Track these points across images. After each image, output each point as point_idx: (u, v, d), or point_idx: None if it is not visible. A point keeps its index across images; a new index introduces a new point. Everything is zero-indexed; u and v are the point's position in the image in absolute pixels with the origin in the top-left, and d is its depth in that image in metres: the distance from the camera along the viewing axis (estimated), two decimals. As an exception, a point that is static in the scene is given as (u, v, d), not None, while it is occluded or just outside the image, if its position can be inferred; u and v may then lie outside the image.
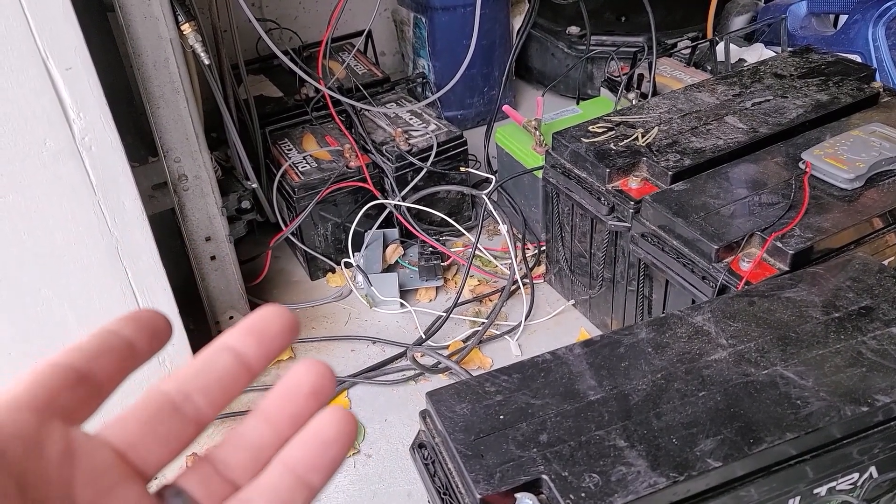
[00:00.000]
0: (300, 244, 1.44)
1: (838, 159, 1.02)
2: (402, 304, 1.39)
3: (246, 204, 1.29)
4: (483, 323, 1.33)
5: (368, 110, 1.54)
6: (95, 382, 0.24)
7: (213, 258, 1.24)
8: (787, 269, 0.92)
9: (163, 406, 0.24)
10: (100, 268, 1.01)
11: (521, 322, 1.34)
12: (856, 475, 0.74)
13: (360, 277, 1.40)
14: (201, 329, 1.30)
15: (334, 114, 1.50)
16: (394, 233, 1.48)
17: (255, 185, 1.30)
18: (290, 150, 1.48)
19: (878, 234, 0.97)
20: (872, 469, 0.74)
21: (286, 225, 1.42)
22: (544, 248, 1.44)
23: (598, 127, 1.23)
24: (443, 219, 1.51)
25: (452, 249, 1.48)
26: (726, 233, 0.96)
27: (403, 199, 1.44)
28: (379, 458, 1.10)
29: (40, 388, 0.23)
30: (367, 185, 1.42)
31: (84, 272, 1.00)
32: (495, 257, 1.48)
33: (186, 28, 1.06)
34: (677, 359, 0.78)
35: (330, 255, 1.47)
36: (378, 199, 1.43)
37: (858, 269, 0.88)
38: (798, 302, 0.84)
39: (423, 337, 1.31)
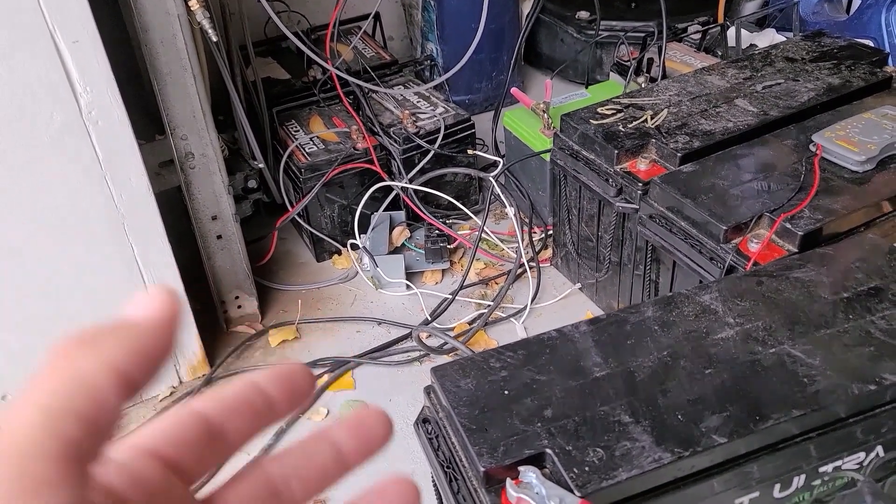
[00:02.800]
0: (306, 225, 1.44)
1: (849, 141, 1.01)
2: (407, 287, 1.38)
3: (252, 183, 1.29)
4: (489, 305, 1.32)
5: (376, 91, 1.53)
6: (225, 442, 0.23)
7: (219, 237, 1.24)
8: (795, 250, 0.92)
9: (265, 487, 0.23)
10: (106, 244, 1.01)
11: (527, 305, 1.33)
12: (862, 454, 0.73)
13: (366, 259, 1.39)
14: (207, 309, 1.30)
15: (342, 95, 1.50)
16: (400, 215, 1.48)
17: (261, 165, 1.30)
18: (298, 131, 1.47)
19: (888, 216, 0.96)
20: (879, 449, 0.74)
21: (292, 206, 1.42)
22: (551, 231, 1.44)
23: (606, 109, 1.22)
24: (450, 202, 1.51)
25: (459, 232, 1.48)
26: (735, 214, 0.96)
27: (410, 181, 1.44)
28: (383, 438, 1.10)
29: (176, 436, 0.22)
30: (373, 167, 1.42)
31: (90, 247, 1.00)
32: (502, 241, 1.48)
33: (194, 4, 1.05)
34: (684, 337, 0.77)
35: (336, 237, 1.47)
36: (385, 181, 1.43)
37: (868, 250, 0.87)
38: (806, 282, 0.83)
39: (429, 318, 1.31)
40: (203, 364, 1.21)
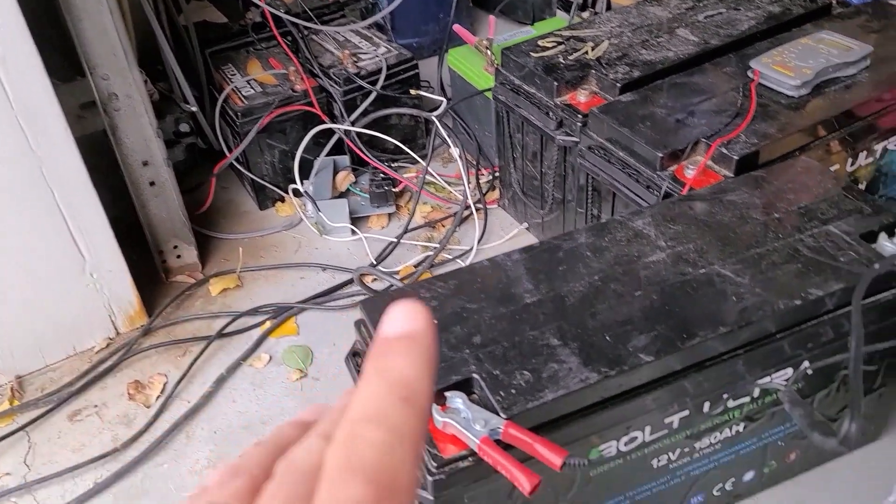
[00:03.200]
0: (247, 172, 1.39)
1: (786, 67, 1.00)
2: (353, 232, 1.36)
3: (184, 127, 1.24)
4: (435, 248, 1.31)
5: (313, 29, 1.48)
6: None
7: (152, 184, 1.20)
8: (731, 175, 0.91)
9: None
10: (23, 189, 0.97)
11: (473, 246, 1.32)
12: (790, 370, 0.74)
13: (309, 206, 1.36)
14: (145, 259, 1.27)
15: (278, 35, 1.44)
16: (344, 160, 1.44)
17: (193, 109, 1.25)
18: (234, 74, 1.42)
19: (822, 140, 0.96)
20: (806, 364, 0.75)
21: (230, 152, 1.37)
22: (498, 172, 1.42)
23: (547, 42, 1.19)
24: (396, 146, 1.47)
25: (405, 175, 1.45)
26: (671, 141, 0.94)
27: (353, 124, 1.40)
28: (326, 382, 1.09)
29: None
30: (313, 110, 1.38)
31: (6, 193, 0.96)
32: (449, 183, 1.46)
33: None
34: (615, 261, 0.77)
35: (278, 183, 1.43)
36: (326, 124, 1.39)
37: (800, 171, 0.87)
38: (739, 204, 0.83)
39: (374, 262, 1.29)
40: (141, 314, 1.18)
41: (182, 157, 1.27)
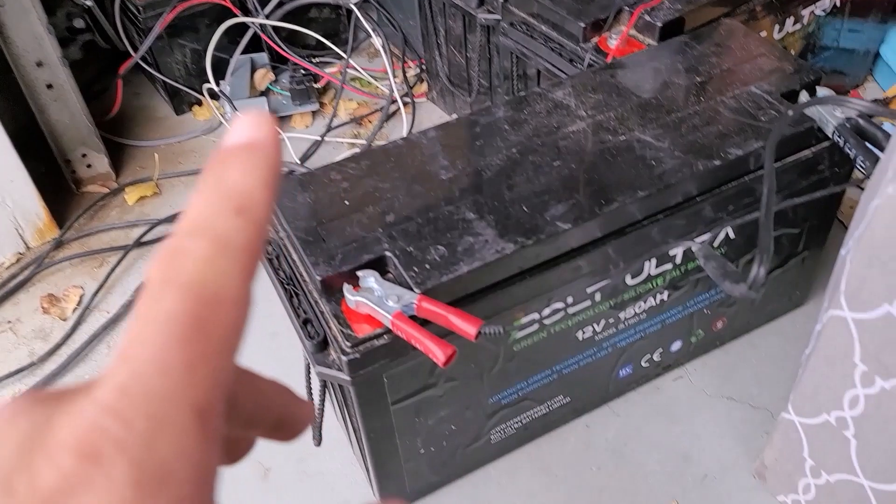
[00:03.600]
0: (157, 74, 1.31)
1: (712, -72, 0.96)
2: (275, 132, 1.30)
3: (79, 23, 1.14)
4: (362, 145, 1.26)
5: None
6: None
7: (49, 87, 1.11)
8: (655, 44, 0.88)
9: None
10: None
11: (402, 141, 1.27)
12: (709, 236, 0.73)
13: (228, 107, 1.29)
14: (52, 170, 1.19)
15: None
16: (262, 57, 1.36)
17: (88, 3, 1.15)
18: (134, -34, 1.31)
19: (748, 4, 0.93)
20: (728, 230, 0.74)
21: (136, 52, 1.28)
22: (425, 65, 1.36)
23: (466, -85, 1.12)
24: (318, 41, 1.40)
25: (328, 71, 1.38)
26: (593, 10, 0.90)
27: (268, 17, 1.32)
28: (253, 283, 1.05)
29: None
30: (224, 2, 1.28)
31: None
32: (375, 78, 1.39)
33: None
34: (534, 133, 0.74)
35: (193, 86, 1.35)
36: (239, 17, 1.30)
37: (724, 35, 0.84)
38: (661, 70, 0.80)
39: (298, 162, 1.24)
40: (51, 227, 1.12)
41: (79, 55, 1.17)
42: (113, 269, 1.06)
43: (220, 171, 0.17)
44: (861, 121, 0.69)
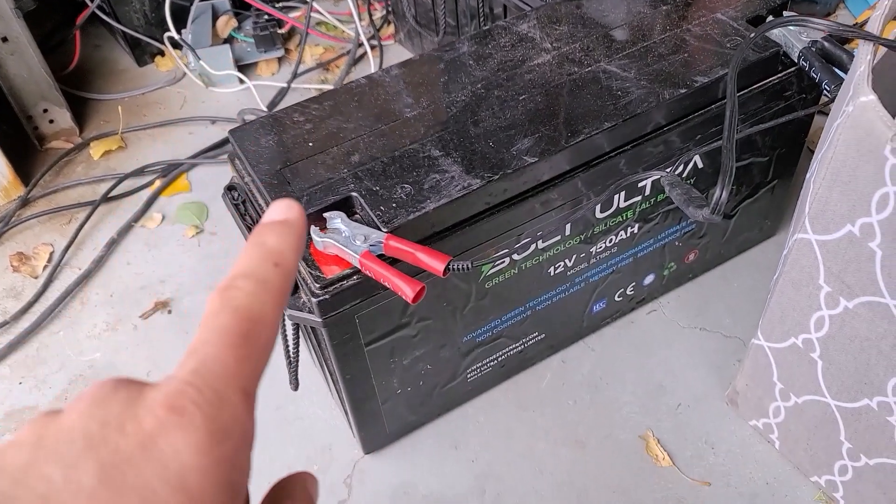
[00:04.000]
0: (115, 24, 1.27)
1: None
2: (241, 81, 1.27)
3: (29, -29, 1.10)
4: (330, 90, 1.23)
5: None
6: None
7: (4, 40, 1.07)
8: (622, -26, 0.86)
9: None
10: None
11: (371, 86, 1.25)
12: (680, 168, 0.73)
13: (190, 56, 1.26)
14: (14, 127, 1.16)
15: None
16: (224, 3, 1.32)
17: (37, -51, 1.11)
18: (84, -89, 1.26)
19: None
20: (697, 159, 0.74)
21: (92, 1, 1.24)
22: (391, 5, 1.32)
23: None
24: (281, -15, 1.36)
25: (291, 16, 1.35)
26: (559, -59, 0.88)
27: (227, -40, 1.27)
28: (224, 235, 1.04)
29: None
30: (180, -54, 1.24)
31: None
32: (341, 21, 1.36)
33: None
34: (499, 67, 0.72)
35: (154, 35, 1.31)
36: (196, -38, 1.26)
37: (691, -39, 0.83)
38: (627, 0, 0.78)
39: (266, 110, 1.21)
40: (16, 185, 1.09)
41: (33, 5, 1.13)
42: (82, 225, 1.04)
43: (263, 237, 0.23)
44: (826, 44, 0.68)
